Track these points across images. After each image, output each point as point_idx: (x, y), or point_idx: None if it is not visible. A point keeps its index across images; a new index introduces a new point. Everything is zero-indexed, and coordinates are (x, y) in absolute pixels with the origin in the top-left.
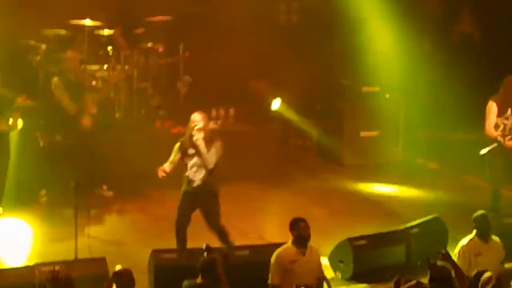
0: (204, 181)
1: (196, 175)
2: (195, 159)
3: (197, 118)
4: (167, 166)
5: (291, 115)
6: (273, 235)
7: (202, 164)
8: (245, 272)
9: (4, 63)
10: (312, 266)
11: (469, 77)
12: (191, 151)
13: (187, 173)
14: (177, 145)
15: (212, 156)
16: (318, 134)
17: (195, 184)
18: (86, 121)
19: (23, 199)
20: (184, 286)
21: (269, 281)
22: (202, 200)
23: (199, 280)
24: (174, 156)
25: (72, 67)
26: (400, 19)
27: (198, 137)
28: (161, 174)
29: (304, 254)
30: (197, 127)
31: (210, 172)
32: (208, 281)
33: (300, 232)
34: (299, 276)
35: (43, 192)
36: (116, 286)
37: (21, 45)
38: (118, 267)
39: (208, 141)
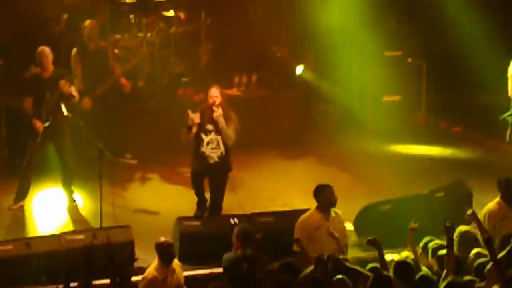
0: (221, 158)
1: (213, 151)
2: (212, 135)
3: (215, 93)
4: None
5: (315, 80)
6: (297, 201)
7: (220, 141)
8: (270, 238)
9: (26, 34)
10: (337, 231)
11: (491, 40)
12: (209, 126)
13: (202, 149)
14: (196, 114)
15: (232, 132)
16: (340, 100)
17: (212, 161)
18: (86, 103)
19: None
20: (227, 259)
21: (294, 248)
22: (215, 175)
23: (239, 251)
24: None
25: (92, 35)
26: None
27: (219, 114)
28: (191, 120)
29: (328, 220)
30: (216, 103)
31: (227, 149)
32: (248, 251)
33: (326, 198)
34: (324, 241)
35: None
36: (159, 256)
37: (43, 15)
38: (160, 239)
39: (226, 116)
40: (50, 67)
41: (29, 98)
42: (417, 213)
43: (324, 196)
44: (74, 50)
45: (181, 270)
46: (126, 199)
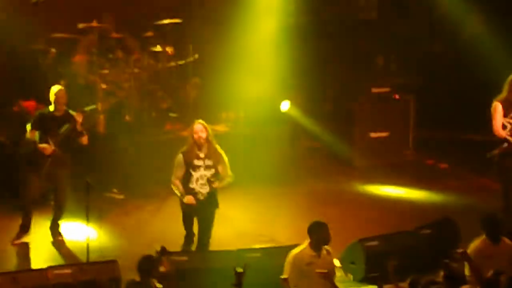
0: (210, 193)
1: (203, 187)
2: (201, 171)
3: (200, 128)
4: (182, 189)
5: (300, 117)
6: (284, 237)
7: (208, 177)
8: (257, 274)
9: (14, 67)
10: (327, 268)
11: (478, 78)
12: (197, 162)
13: (192, 185)
14: (180, 158)
15: (228, 171)
16: (327, 136)
17: (202, 197)
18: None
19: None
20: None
21: (283, 277)
22: (204, 211)
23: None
24: (180, 170)
25: (81, 71)
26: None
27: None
28: (192, 202)
29: (319, 256)
30: (202, 138)
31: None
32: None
33: (321, 236)
34: (315, 279)
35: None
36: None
37: (30, 49)
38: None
39: (214, 153)
40: (63, 107)
41: (33, 130)
42: (404, 250)
43: (319, 234)
44: (62, 82)
45: None
46: (113, 233)
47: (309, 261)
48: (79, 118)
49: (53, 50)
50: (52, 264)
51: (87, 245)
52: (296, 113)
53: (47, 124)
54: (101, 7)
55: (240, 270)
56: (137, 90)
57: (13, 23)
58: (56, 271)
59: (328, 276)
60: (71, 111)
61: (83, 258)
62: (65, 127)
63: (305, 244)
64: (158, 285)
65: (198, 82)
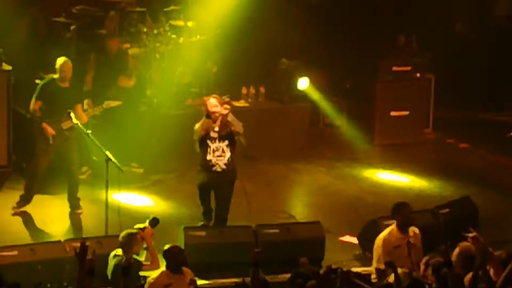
0: (227, 165)
1: (219, 159)
2: (217, 143)
3: (214, 103)
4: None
5: (318, 96)
6: (302, 214)
7: (225, 148)
8: (274, 250)
9: (35, 40)
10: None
11: (499, 57)
12: (214, 134)
13: (209, 157)
14: (198, 125)
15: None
16: (346, 114)
17: (219, 169)
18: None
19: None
20: None
21: (375, 266)
22: (221, 185)
23: None
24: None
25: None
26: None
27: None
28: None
29: (407, 238)
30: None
31: (233, 157)
32: None
33: (404, 217)
34: (402, 262)
35: (85, 168)
36: (167, 263)
37: (52, 22)
38: (168, 246)
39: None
40: (69, 78)
41: (39, 101)
42: (422, 229)
43: (402, 214)
44: (93, 55)
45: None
46: (132, 207)
47: (397, 244)
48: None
49: (75, 23)
50: (71, 237)
51: (106, 218)
52: (316, 91)
53: (53, 97)
54: None
55: (258, 250)
56: (158, 64)
57: None
58: (74, 244)
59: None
60: (76, 82)
61: (102, 232)
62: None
63: (392, 226)
64: (137, 257)
65: (219, 57)
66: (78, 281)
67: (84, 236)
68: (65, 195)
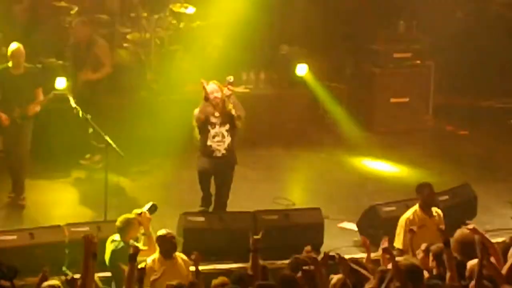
0: (227, 150)
1: (219, 144)
2: (217, 128)
3: (214, 89)
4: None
5: (316, 83)
6: (301, 200)
7: (225, 133)
8: (273, 236)
9: (35, 25)
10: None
11: (501, 44)
12: (213, 119)
13: (209, 142)
14: (198, 111)
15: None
16: (344, 105)
17: (219, 154)
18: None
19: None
20: None
21: (398, 246)
22: (221, 170)
23: None
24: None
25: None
26: None
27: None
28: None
29: (430, 219)
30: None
31: (233, 143)
32: None
33: (427, 196)
34: (426, 241)
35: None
36: (160, 249)
37: (52, 6)
38: (162, 231)
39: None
40: (23, 64)
41: None
42: None
43: (425, 194)
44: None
45: (185, 265)
46: (131, 192)
47: (421, 223)
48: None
49: (75, 7)
50: (70, 221)
51: (105, 203)
52: (314, 77)
53: (4, 84)
54: None
55: (257, 236)
56: (158, 49)
57: None
58: (73, 228)
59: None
60: (31, 67)
61: (101, 217)
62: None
63: (415, 207)
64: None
65: (219, 42)
66: (83, 267)
67: (83, 221)
68: (65, 179)
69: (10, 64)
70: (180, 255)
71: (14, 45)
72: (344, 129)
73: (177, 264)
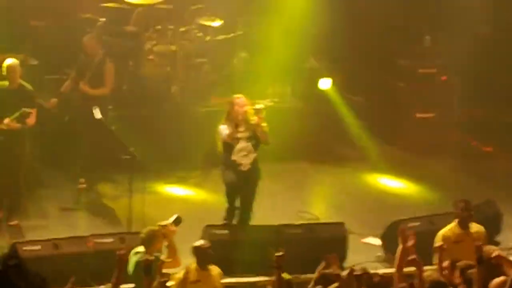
0: (252, 165)
1: (244, 159)
2: (242, 143)
3: (242, 103)
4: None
5: (340, 97)
6: (325, 214)
7: (250, 148)
8: (297, 249)
9: (62, 36)
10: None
11: None
12: (238, 134)
13: (234, 157)
14: (223, 127)
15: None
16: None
17: (244, 168)
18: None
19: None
20: None
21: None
22: (246, 184)
23: None
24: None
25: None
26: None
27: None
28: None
29: (468, 235)
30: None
31: (256, 157)
32: None
33: (460, 212)
34: (465, 256)
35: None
36: (196, 259)
37: (78, 18)
38: (198, 242)
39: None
40: (18, 80)
41: None
42: None
43: (460, 210)
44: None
45: (218, 277)
46: (156, 204)
47: (458, 239)
48: (30, 121)
49: (102, 19)
50: (95, 232)
51: (129, 215)
52: (338, 92)
53: (1, 100)
54: None
55: (280, 253)
56: (184, 62)
57: None
58: (97, 239)
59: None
60: (26, 84)
61: (126, 228)
62: (19, 113)
63: (453, 223)
64: (158, 255)
65: (245, 56)
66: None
67: (108, 232)
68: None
69: (6, 83)
70: (214, 267)
71: (9, 60)
72: (367, 144)
73: (211, 276)
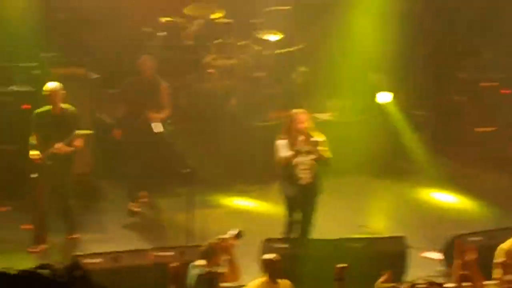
0: (312, 179)
1: (304, 173)
2: (302, 157)
3: (304, 118)
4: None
5: (399, 111)
6: (385, 228)
7: (310, 162)
8: (357, 263)
9: (121, 51)
10: None
11: None
12: (299, 149)
13: (294, 171)
14: (281, 142)
15: (326, 153)
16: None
17: (304, 182)
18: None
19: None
20: None
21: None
22: (306, 198)
23: None
24: (283, 151)
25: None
26: None
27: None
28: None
29: None
30: (306, 128)
31: (317, 171)
32: None
33: None
34: None
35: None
36: (266, 272)
37: (139, 32)
38: (268, 255)
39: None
40: (60, 105)
41: (34, 134)
42: None
43: None
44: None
45: None
46: (215, 218)
47: None
48: (78, 143)
49: (161, 33)
50: (155, 245)
51: (188, 229)
52: (398, 106)
53: (45, 126)
54: None
55: (341, 265)
56: (242, 76)
57: (123, 6)
58: (158, 253)
59: None
60: (69, 108)
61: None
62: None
63: None
64: (217, 269)
65: (304, 69)
66: None
67: (166, 245)
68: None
69: (48, 107)
70: (284, 281)
71: (51, 85)
72: (427, 158)
73: None
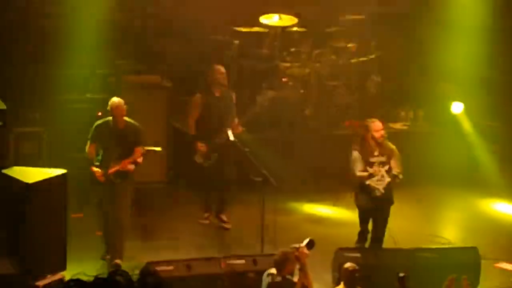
0: (385, 190)
1: (378, 183)
2: (376, 167)
3: (380, 127)
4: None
5: (471, 122)
6: (457, 238)
7: (384, 173)
8: (429, 274)
9: (197, 58)
10: None
11: None
12: (373, 159)
13: (367, 182)
14: (356, 154)
15: (400, 167)
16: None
17: (378, 193)
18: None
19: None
20: None
21: None
22: (379, 208)
23: None
24: (360, 165)
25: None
26: None
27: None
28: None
29: None
30: (383, 137)
31: (390, 182)
32: None
33: None
34: None
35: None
36: (344, 281)
37: (214, 40)
38: (347, 264)
39: (387, 150)
40: (123, 119)
41: (92, 144)
42: None
43: None
44: (197, 95)
45: None
46: (288, 226)
47: None
48: (138, 158)
49: (237, 41)
50: (227, 253)
51: (262, 237)
52: (470, 116)
53: (105, 138)
54: (284, 1)
55: (402, 274)
56: (317, 84)
57: (198, 14)
58: (229, 261)
59: None
60: (132, 122)
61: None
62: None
63: None
64: (290, 277)
65: (378, 79)
66: None
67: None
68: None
69: (111, 120)
70: None
71: (115, 100)
72: (500, 169)
73: None
